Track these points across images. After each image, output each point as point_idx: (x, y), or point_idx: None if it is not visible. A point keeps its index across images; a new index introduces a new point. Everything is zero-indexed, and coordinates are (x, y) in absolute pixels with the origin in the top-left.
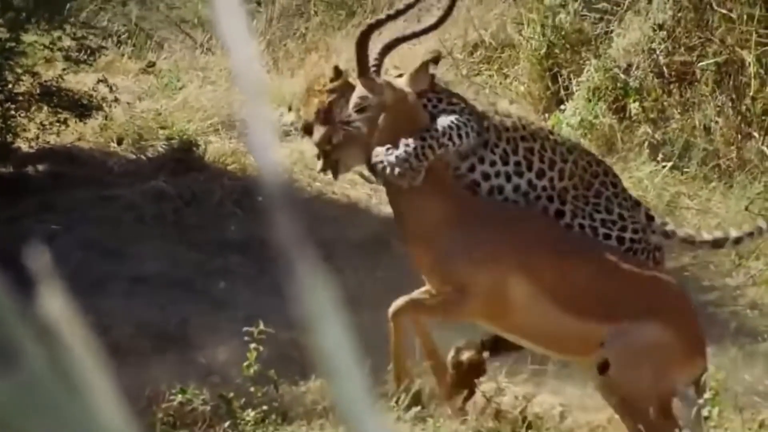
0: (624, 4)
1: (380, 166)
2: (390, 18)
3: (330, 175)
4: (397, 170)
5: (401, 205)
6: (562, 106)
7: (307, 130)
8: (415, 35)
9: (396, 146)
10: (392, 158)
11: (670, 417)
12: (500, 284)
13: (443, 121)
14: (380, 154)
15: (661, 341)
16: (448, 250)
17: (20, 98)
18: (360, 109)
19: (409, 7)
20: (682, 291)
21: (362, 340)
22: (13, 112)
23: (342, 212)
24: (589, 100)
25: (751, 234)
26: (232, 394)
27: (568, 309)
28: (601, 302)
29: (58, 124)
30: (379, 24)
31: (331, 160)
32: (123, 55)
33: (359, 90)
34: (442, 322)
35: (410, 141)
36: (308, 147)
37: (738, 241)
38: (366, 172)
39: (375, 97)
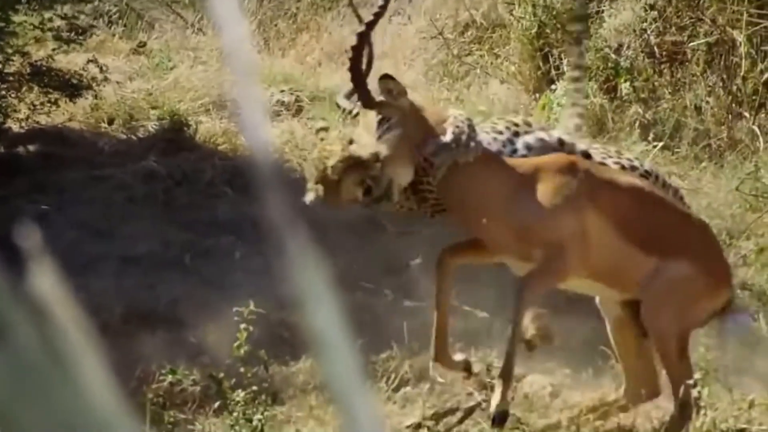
0: None
1: (441, 145)
2: (378, 16)
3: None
4: (461, 144)
5: (460, 193)
6: (553, 86)
7: (349, 168)
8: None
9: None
10: (450, 138)
11: (686, 358)
12: (581, 225)
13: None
14: (431, 141)
15: (688, 279)
16: (527, 215)
17: (10, 78)
18: (381, 120)
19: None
20: (703, 222)
21: (353, 321)
22: (3, 92)
23: None
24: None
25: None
26: (222, 375)
27: (628, 240)
28: (650, 235)
29: (48, 104)
30: (370, 27)
31: (382, 183)
32: (114, 35)
33: (370, 113)
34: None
35: (454, 121)
36: (299, 126)
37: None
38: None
39: (394, 104)
